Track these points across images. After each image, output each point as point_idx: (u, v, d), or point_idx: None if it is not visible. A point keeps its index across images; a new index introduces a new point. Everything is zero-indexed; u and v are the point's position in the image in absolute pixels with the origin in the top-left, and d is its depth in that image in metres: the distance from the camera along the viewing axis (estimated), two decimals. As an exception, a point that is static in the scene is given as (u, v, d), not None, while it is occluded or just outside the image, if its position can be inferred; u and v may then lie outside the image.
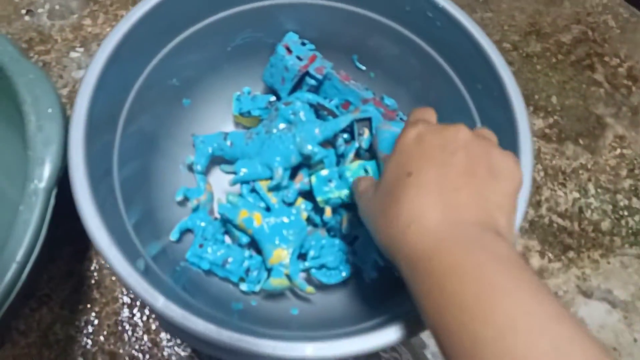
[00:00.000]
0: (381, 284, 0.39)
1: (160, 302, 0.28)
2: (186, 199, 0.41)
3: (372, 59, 0.44)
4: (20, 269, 0.29)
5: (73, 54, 0.51)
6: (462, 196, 0.23)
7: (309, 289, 0.37)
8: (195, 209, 0.41)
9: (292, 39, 0.42)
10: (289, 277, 0.36)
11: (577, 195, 0.51)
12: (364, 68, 0.45)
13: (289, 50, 0.41)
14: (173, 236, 0.39)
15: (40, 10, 0.53)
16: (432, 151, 0.24)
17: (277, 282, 0.36)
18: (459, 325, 0.19)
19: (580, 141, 0.54)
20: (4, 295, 0.29)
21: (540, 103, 0.55)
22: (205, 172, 0.43)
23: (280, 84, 0.42)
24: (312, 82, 0.42)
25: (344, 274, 0.38)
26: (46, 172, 0.31)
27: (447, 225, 0.22)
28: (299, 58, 0.41)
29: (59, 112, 0.33)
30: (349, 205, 0.39)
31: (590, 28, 0.61)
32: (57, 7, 0.53)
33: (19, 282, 0.30)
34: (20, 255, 0.29)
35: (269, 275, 0.37)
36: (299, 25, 0.42)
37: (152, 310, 0.33)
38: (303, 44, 0.42)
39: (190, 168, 0.43)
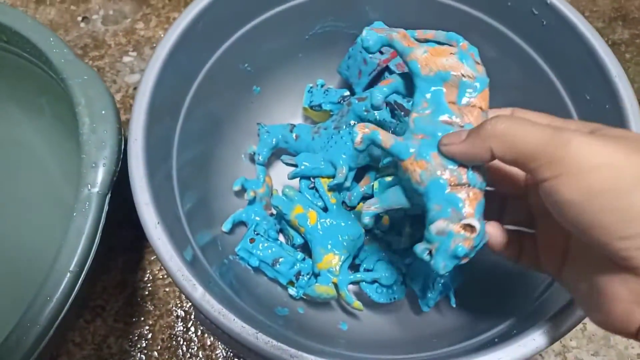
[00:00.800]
0: (438, 316, 0.34)
1: (198, 292, 0.26)
2: (243, 190, 0.39)
3: (463, 60, 0.39)
4: (75, 279, 0.28)
5: (126, 59, 0.51)
6: None
7: (357, 303, 0.33)
8: (252, 202, 0.38)
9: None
10: (336, 286, 0.33)
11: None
12: (451, 69, 0.40)
13: (370, 42, 0.38)
14: (225, 227, 0.37)
15: (95, 17, 0.53)
16: None
17: (323, 289, 0.32)
18: None
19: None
20: (60, 306, 0.27)
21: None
22: (267, 164, 0.40)
23: (356, 77, 0.39)
24: (392, 79, 0.38)
25: (395, 296, 0.33)
26: (100, 176, 0.29)
27: None
28: (380, 51, 0.37)
29: (113, 114, 0.31)
30: (413, 218, 0.35)
31: (687, 9, 0.53)
32: (111, 12, 0.53)
33: (74, 293, 0.28)
34: (73, 264, 0.28)
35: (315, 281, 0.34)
36: (384, 16, 0.39)
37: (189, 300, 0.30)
38: (387, 37, 0.39)
39: (252, 158, 0.41)
